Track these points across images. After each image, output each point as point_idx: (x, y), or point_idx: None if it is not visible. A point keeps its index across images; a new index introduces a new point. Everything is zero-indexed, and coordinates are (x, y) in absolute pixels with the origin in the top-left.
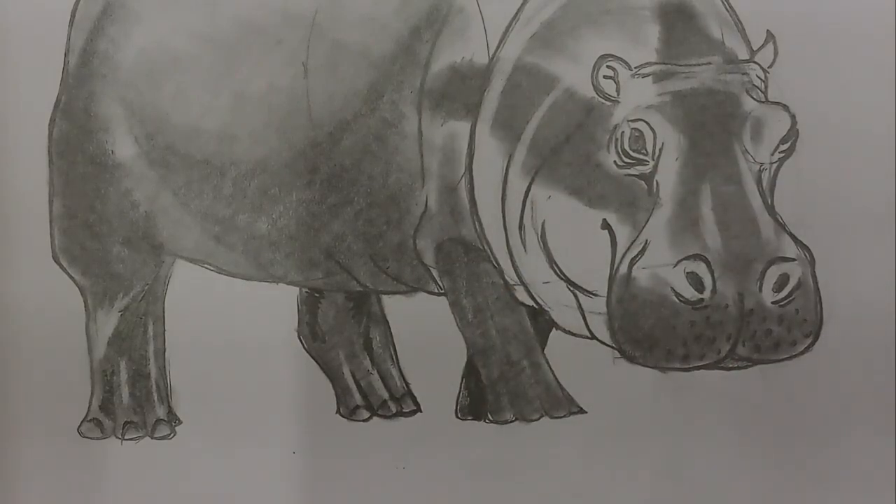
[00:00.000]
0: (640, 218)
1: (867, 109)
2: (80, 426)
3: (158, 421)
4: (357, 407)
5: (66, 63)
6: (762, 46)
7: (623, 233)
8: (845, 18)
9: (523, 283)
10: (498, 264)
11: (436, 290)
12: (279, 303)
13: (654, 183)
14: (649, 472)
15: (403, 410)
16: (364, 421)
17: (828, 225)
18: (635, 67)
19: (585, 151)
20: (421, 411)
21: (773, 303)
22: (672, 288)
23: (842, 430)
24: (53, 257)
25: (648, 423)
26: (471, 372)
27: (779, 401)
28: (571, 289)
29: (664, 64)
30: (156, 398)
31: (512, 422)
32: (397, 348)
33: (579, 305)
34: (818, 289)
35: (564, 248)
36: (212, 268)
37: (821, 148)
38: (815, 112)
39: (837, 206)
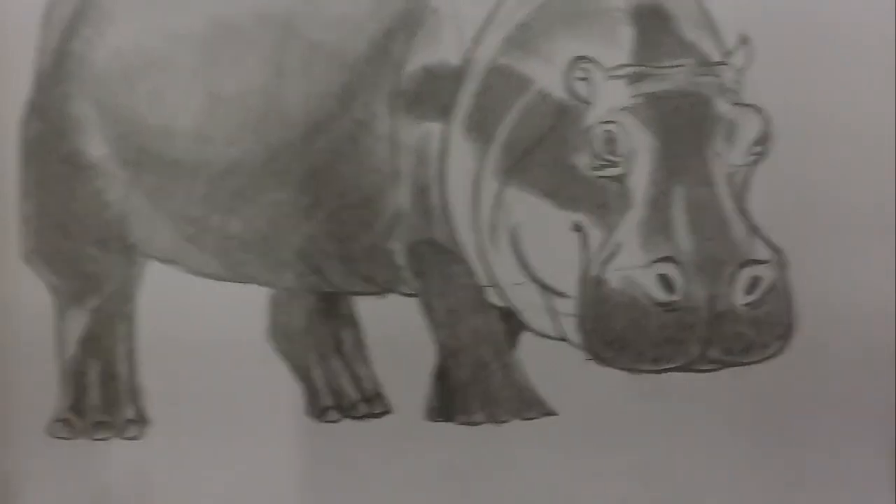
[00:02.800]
0: (612, 220)
1: (840, 112)
2: (49, 426)
3: (128, 421)
4: (327, 408)
5: (39, 63)
6: (735, 49)
7: (595, 234)
8: (819, 21)
9: (495, 285)
10: (470, 266)
11: (407, 292)
12: (250, 303)
13: (627, 185)
14: (620, 474)
15: (374, 412)
16: (334, 422)
17: (800, 228)
18: (609, 69)
19: (558, 153)
20: (391, 412)
21: (744, 305)
22: (643, 290)
23: (813, 433)
24: (25, 257)
25: (619, 425)
26: (441, 373)
27: (750, 403)
28: (543, 290)
29: (638, 66)
30: (126, 398)
31: (482, 423)
32: (368, 349)
33: (550, 307)
34: (790, 291)
35: (536, 249)
36: (184, 268)
37: (793, 151)
38: (788, 115)
39: (809, 208)
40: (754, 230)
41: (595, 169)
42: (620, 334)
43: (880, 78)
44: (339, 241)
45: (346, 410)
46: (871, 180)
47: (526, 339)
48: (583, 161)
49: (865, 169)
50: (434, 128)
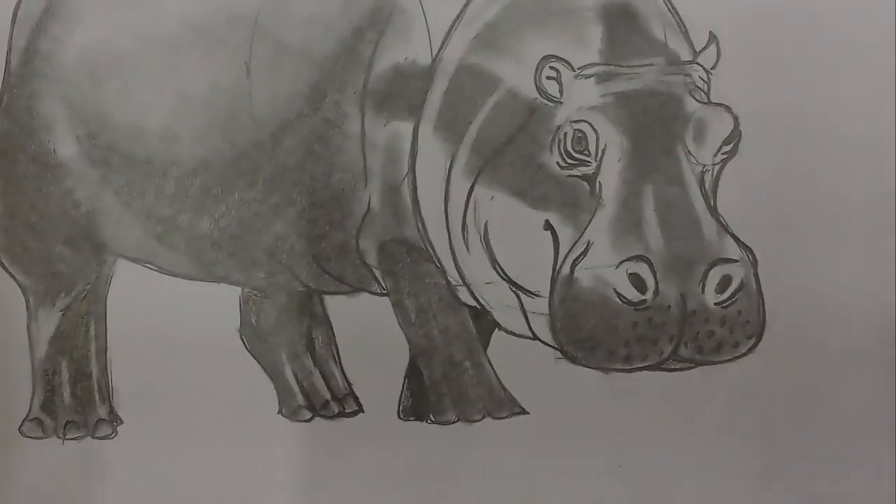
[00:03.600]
0: (582, 219)
1: (809, 110)
2: (21, 425)
3: (100, 420)
4: (299, 407)
5: (7, 62)
6: (705, 48)
7: (565, 234)
8: (787, 19)
9: (466, 284)
10: (441, 265)
11: (378, 291)
12: (221, 302)
13: (597, 184)
14: (592, 473)
15: (345, 411)
16: (306, 421)
17: (770, 226)
18: (578, 68)
19: (528, 152)
20: (363, 412)
21: (715, 304)
22: (614, 289)
23: (783, 432)
24: None
25: (591, 424)
26: (413, 372)
27: (721, 402)
28: (514, 289)
29: (607, 65)
30: (97, 398)
31: (454, 422)
32: (340, 349)
33: (522, 306)
34: (761, 290)
35: (507, 248)
36: (154, 267)
37: (763, 149)
38: (757, 113)
39: (780, 207)
40: (725, 229)
41: (565, 168)
42: (592, 333)
43: (849, 75)
44: (309, 240)
45: (319, 409)
46: (841, 178)
47: (497, 338)
48: (553, 160)
49: (835, 167)
50: (404, 127)
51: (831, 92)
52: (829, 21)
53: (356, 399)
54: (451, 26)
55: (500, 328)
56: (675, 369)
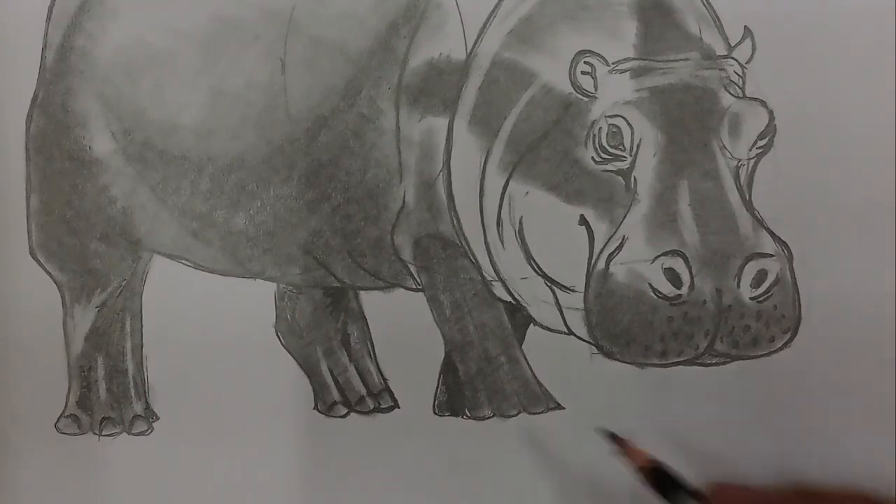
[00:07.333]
0: (617, 214)
1: (844, 105)
2: (57, 422)
3: (136, 417)
4: (334, 403)
5: (43, 59)
6: (740, 42)
7: (600, 228)
8: (822, 14)
9: (501, 279)
10: (476, 260)
11: (413, 286)
12: (257, 298)
13: (632, 179)
14: (627, 468)
15: (381, 406)
16: (341, 417)
17: (806, 221)
18: (613, 63)
19: (563, 147)
20: (399, 407)
21: (751, 298)
22: (649, 284)
23: (820, 426)
24: (31, 253)
25: (626, 419)
26: (449, 368)
27: (757, 396)
28: (549, 284)
29: (642, 59)
30: (133, 394)
31: (490, 418)
32: (375, 344)
33: (557, 301)
34: (796, 284)
35: (542, 243)
36: (189, 263)
37: (798, 143)
38: (792, 108)
39: (815, 201)
40: (760, 223)
41: (600, 163)
42: (627, 328)
43: (884, 69)
44: (344, 236)
45: (354, 405)
46: (875, 173)
47: (533, 333)
48: (588, 155)
49: (870, 161)
50: (439, 122)
51: (866, 86)
52: (864, 16)
53: (391, 394)
54: (486, 21)
55: (536, 323)
56: (711, 364)
